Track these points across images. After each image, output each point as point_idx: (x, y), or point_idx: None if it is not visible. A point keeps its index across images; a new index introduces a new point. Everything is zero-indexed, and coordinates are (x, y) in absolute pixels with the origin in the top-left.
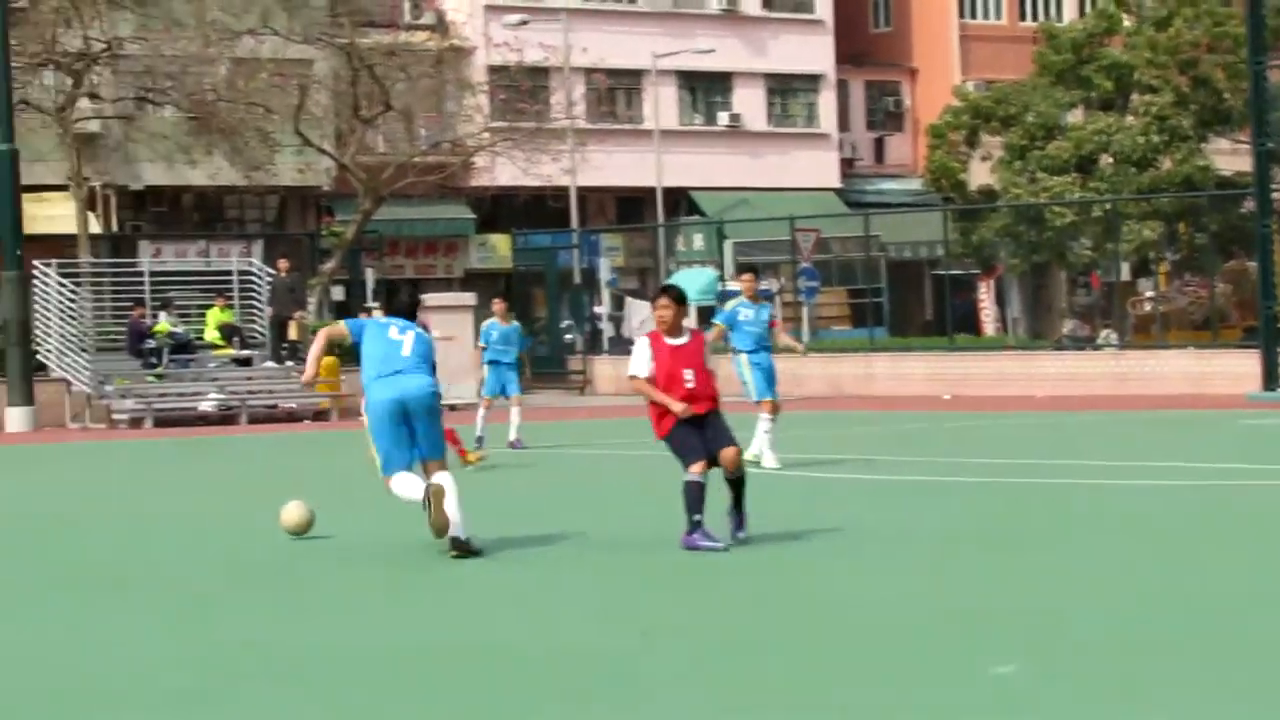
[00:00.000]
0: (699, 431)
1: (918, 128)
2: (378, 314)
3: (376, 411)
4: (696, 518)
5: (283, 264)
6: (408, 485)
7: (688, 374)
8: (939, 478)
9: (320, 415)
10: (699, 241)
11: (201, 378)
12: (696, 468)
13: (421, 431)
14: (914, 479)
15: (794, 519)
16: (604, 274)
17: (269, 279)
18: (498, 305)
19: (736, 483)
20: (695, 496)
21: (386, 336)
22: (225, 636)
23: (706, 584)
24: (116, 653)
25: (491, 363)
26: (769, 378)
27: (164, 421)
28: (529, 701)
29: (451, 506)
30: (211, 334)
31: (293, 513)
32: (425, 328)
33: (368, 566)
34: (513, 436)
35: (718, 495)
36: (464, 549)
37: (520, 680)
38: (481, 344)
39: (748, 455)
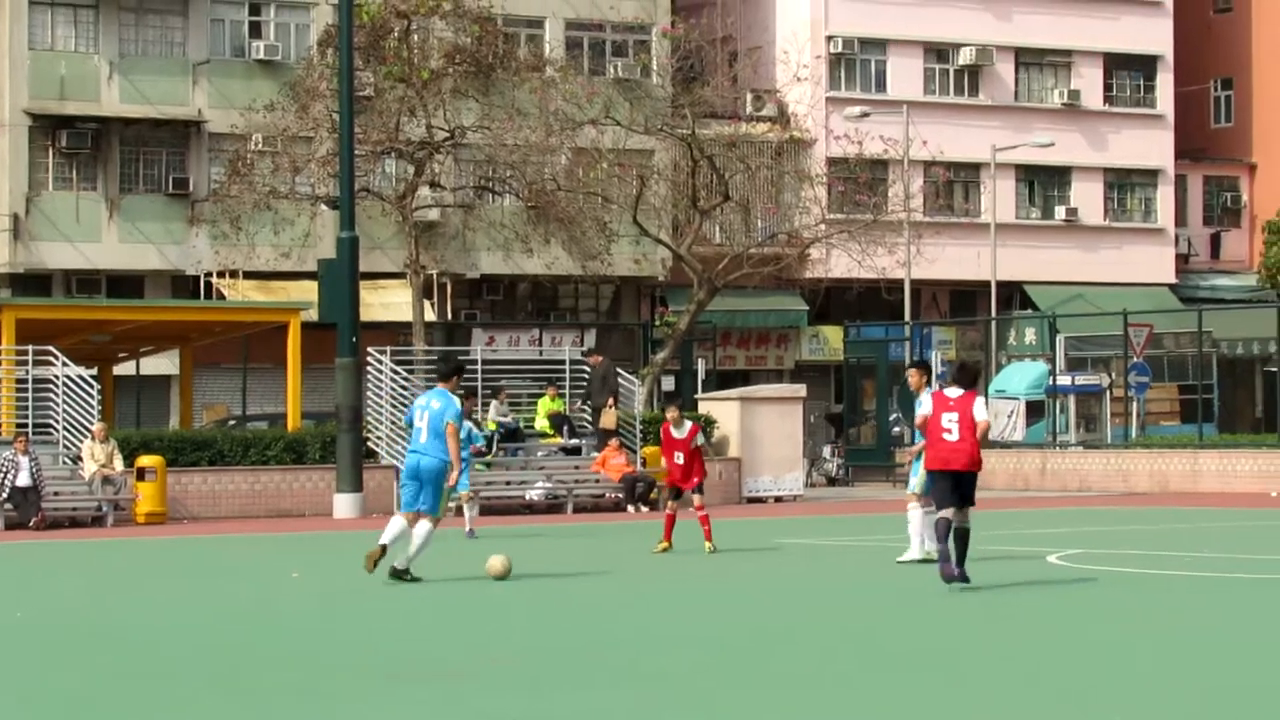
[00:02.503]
0: (953, 485)
1: (1254, 224)
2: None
3: (405, 469)
4: (941, 548)
5: (594, 359)
6: (392, 525)
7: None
8: (1242, 575)
9: (649, 503)
10: (1030, 335)
11: (529, 466)
12: (945, 514)
13: (427, 491)
14: (1220, 575)
15: (1074, 610)
16: (935, 367)
17: (588, 370)
18: (465, 404)
19: (963, 538)
20: (940, 533)
21: (415, 423)
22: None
23: (1006, 679)
24: None
25: None
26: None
27: (490, 509)
28: None
29: (414, 542)
30: (541, 422)
31: (496, 564)
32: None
33: (705, 660)
34: (468, 529)
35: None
36: (400, 576)
37: None
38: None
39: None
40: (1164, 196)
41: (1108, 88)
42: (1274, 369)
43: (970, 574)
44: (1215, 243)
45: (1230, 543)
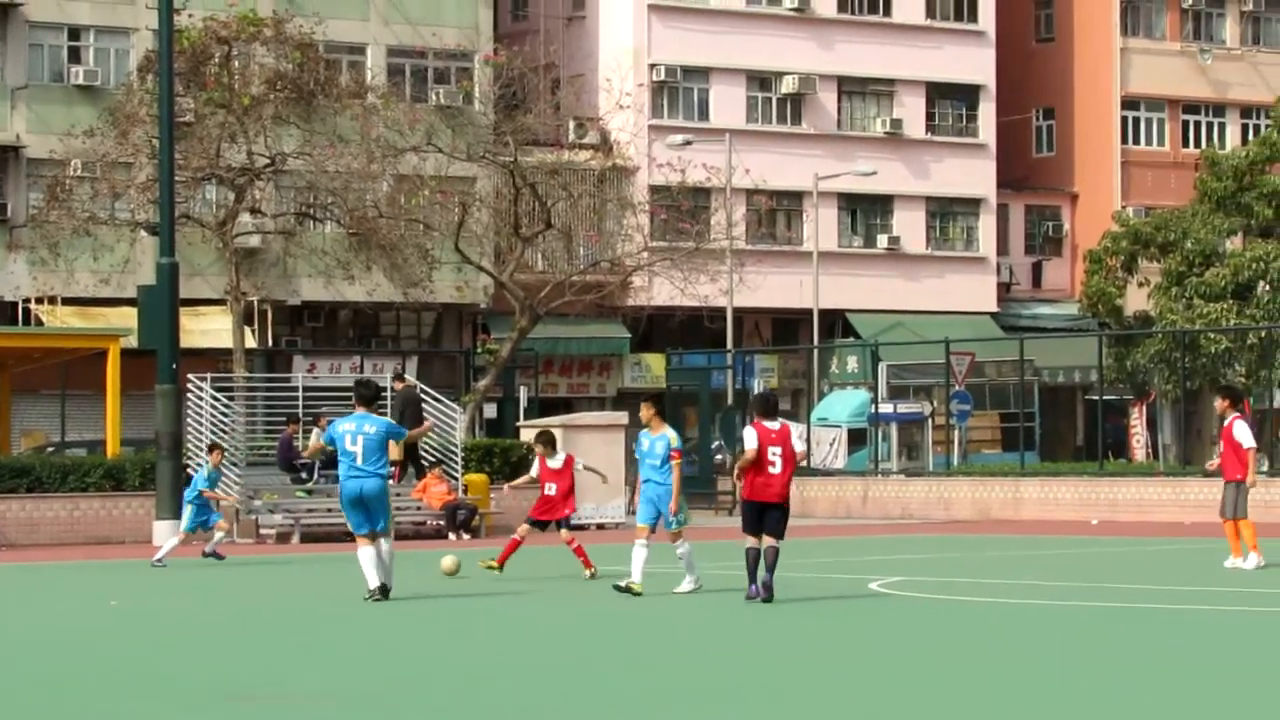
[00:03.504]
0: (760, 515)
1: (1076, 253)
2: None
3: (343, 496)
4: (748, 576)
5: (398, 384)
6: (366, 562)
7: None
8: (1037, 601)
9: (471, 530)
10: (852, 363)
11: None
12: (753, 541)
13: (374, 511)
14: (1008, 601)
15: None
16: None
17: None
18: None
19: (774, 556)
20: (751, 563)
21: (346, 448)
22: None
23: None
24: None
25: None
26: (652, 505)
27: (311, 537)
28: None
29: (384, 563)
30: None
31: (448, 562)
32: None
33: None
34: (157, 556)
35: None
36: (385, 594)
37: None
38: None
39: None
40: (986, 225)
41: (930, 117)
42: (1095, 397)
43: (789, 598)
44: (1037, 271)
45: (1052, 570)
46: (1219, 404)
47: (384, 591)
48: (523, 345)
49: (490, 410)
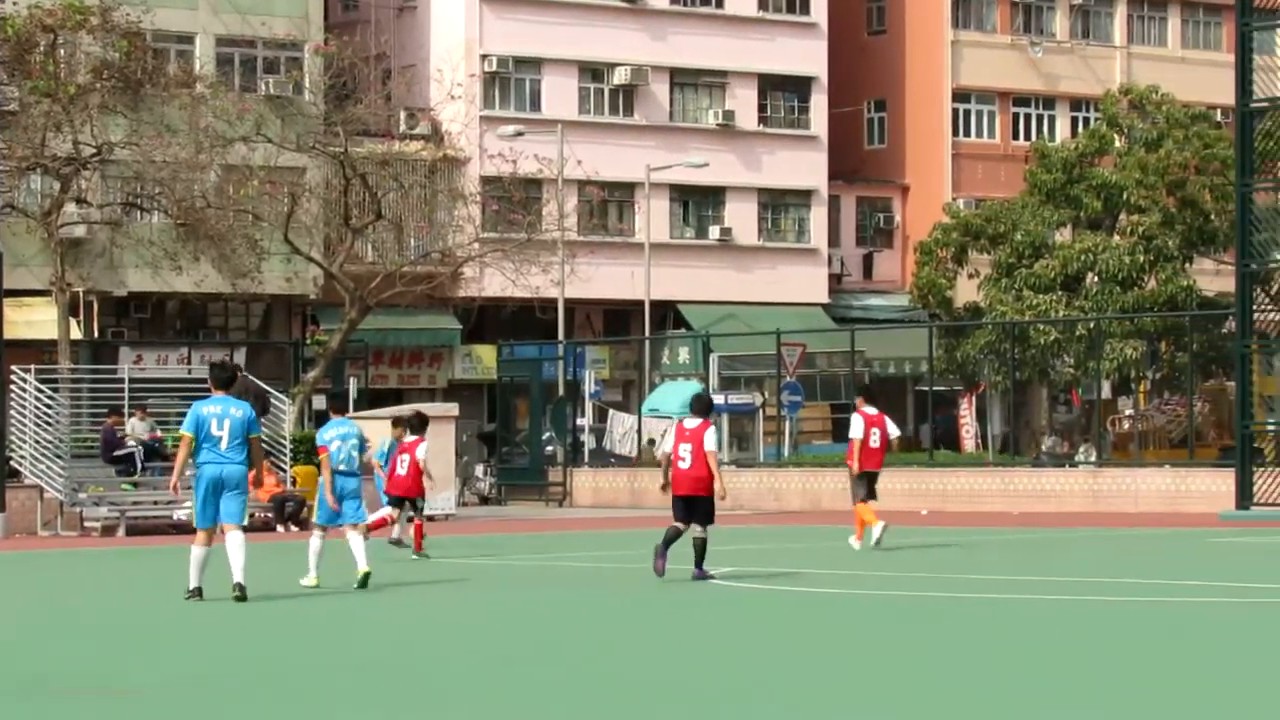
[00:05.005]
0: (686, 506)
1: (907, 244)
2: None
3: (202, 481)
4: (660, 545)
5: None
6: (196, 561)
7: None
8: (867, 591)
9: (300, 523)
10: (684, 355)
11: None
12: (679, 524)
13: (231, 499)
14: (833, 592)
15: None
16: (588, 386)
17: None
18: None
19: (699, 546)
20: (667, 536)
21: (210, 433)
22: None
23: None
24: None
25: None
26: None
27: (137, 530)
28: None
29: (239, 561)
30: None
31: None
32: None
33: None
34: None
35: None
36: (242, 593)
37: None
38: None
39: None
40: (817, 217)
41: (762, 108)
42: (925, 388)
43: (617, 590)
44: (868, 263)
45: (878, 561)
46: (858, 401)
47: (241, 592)
48: (353, 336)
49: (319, 402)
